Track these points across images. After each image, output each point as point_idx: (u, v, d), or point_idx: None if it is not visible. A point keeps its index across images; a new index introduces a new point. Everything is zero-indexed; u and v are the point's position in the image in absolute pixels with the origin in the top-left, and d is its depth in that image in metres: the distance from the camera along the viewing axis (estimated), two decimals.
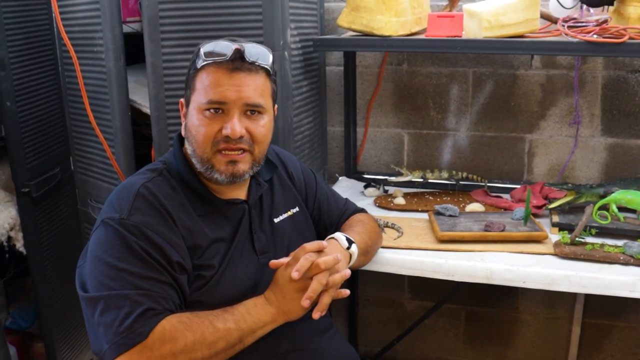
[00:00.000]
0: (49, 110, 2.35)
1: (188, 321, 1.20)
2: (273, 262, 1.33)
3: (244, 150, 1.33)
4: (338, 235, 1.46)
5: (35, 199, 2.31)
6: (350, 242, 1.45)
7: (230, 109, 1.29)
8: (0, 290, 2.55)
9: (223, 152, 1.31)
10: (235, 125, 1.29)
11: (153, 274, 1.21)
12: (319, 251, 1.33)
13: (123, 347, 1.15)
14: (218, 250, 1.34)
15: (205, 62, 1.30)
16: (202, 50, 1.31)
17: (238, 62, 1.29)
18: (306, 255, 1.29)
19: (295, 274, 1.26)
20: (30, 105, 2.26)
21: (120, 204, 1.27)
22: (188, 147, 1.36)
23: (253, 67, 1.31)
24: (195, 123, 1.32)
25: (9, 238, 2.36)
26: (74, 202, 2.24)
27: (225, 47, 1.29)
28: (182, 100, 1.41)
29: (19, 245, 2.37)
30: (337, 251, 1.38)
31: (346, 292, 1.35)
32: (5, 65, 2.13)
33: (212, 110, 1.30)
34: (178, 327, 1.18)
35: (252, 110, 1.32)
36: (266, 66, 1.33)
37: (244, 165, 1.34)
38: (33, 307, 2.53)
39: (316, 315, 1.29)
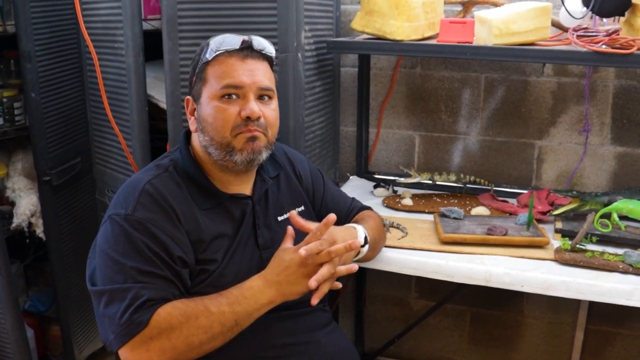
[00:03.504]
0: (72, 102, 2.43)
1: (183, 306, 1.24)
2: (293, 216, 1.37)
3: (259, 132, 1.39)
4: (359, 228, 1.50)
5: (55, 187, 2.39)
6: (365, 240, 1.50)
7: (246, 92, 1.37)
8: (20, 274, 2.63)
9: (242, 134, 1.36)
10: (255, 107, 1.36)
11: (155, 269, 1.26)
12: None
13: (126, 337, 1.21)
14: (221, 245, 1.38)
15: (217, 53, 1.37)
16: (212, 43, 1.38)
17: (247, 50, 1.39)
18: (321, 240, 1.31)
19: (303, 251, 1.28)
20: (54, 97, 2.34)
21: (126, 200, 1.32)
22: (202, 139, 1.40)
23: (261, 55, 1.41)
24: (210, 111, 1.37)
25: (30, 224, 2.45)
26: (93, 191, 2.32)
27: (234, 38, 1.39)
28: (188, 97, 1.46)
29: (39, 231, 2.46)
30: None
31: (354, 267, 1.36)
32: (32, 58, 2.21)
33: (227, 97, 1.36)
34: (173, 314, 1.23)
35: (262, 95, 1.40)
36: (271, 55, 1.43)
37: (261, 143, 1.39)
38: (51, 292, 2.61)
39: (315, 300, 1.30)
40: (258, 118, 1.37)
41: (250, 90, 1.37)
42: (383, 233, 1.71)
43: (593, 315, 2.38)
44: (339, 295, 2.51)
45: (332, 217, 1.33)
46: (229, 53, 1.38)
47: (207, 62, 1.39)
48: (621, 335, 2.37)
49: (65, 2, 2.29)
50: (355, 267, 1.36)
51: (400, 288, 2.62)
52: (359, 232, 1.49)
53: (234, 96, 1.36)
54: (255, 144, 1.38)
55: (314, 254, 1.30)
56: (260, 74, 1.39)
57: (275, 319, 1.38)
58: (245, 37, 1.39)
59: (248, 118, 1.36)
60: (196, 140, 1.44)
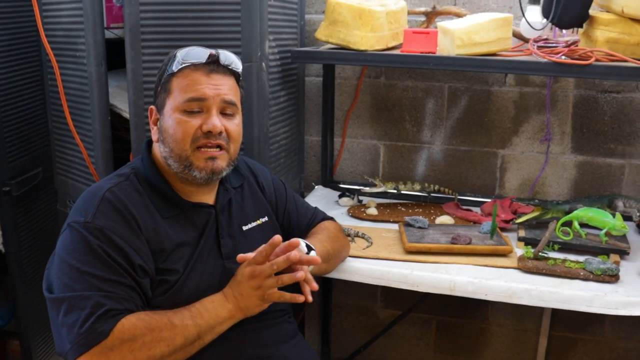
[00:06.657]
0: (33, 111, 2.38)
1: (147, 318, 1.24)
2: (240, 256, 1.36)
3: (221, 148, 1.39)
4: (300, 242, 1.48)
5: (15, 197, 2.33)
6: (309, 248, 1.47)
7: (209, 106, 1.36)
8: None
9: (202, 149, 1.37)
10: (217, 121, 1.36)
11: (115, 276, 1.25)
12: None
13: (84, 347, 1.19)
14: (182, 254, 1.37)
15: (182, 66, 1.37)
16: (179, 55, 1.38)
17: (213, 65, 1.38)
18: (260, 249, 1.33)
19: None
20: (13, 106, 2.29)
21: (86, 208, 1.31)
22: (163, 150, 1.40)
23: (227, 70, 1.40)
24: (172, 123, 1.37)
25: None
26: (55, 202, 2.28)
27: (201, 52, 1.38)
28: (151, 107, 1.46)
29: None
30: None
31: (310, 293, 1.38)
32: None
33: (190, 110, 1.36)
34: (137, 325, 1.22)
35: (226, 111, 1.39)
36: (238, 71, 1.43)
37: (222, 162, 1.40)
38: (11, 305, 2.55)
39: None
40: (220, 133, 1.37)
41: (213, 103, 1.37)
42: (339, 244, 1.69)
43: (556, 322, 2.41)
44: (305, 304, 2.50)
45: (277, 238, 1.33)
46: (195, 66, 1.37)
47: (173, 74, 1.38)
48: (583, 341, 2.41)
49: (24, 9, 2.24)
50: (301, 274, 1.33)
51: (366, 297, 2.62)
52: (300, 244, 1.46)
53: (196, 109, 1.36)
54: (215, 163, 1.39)
55: (258, 263, 1.32)
56: (225, 89, 1.39)
57: (243, 331, 1.37)
58: (213, 51, 1.38)
59: (209, 132, 1.36)
60: (157, 149, 1.44)
